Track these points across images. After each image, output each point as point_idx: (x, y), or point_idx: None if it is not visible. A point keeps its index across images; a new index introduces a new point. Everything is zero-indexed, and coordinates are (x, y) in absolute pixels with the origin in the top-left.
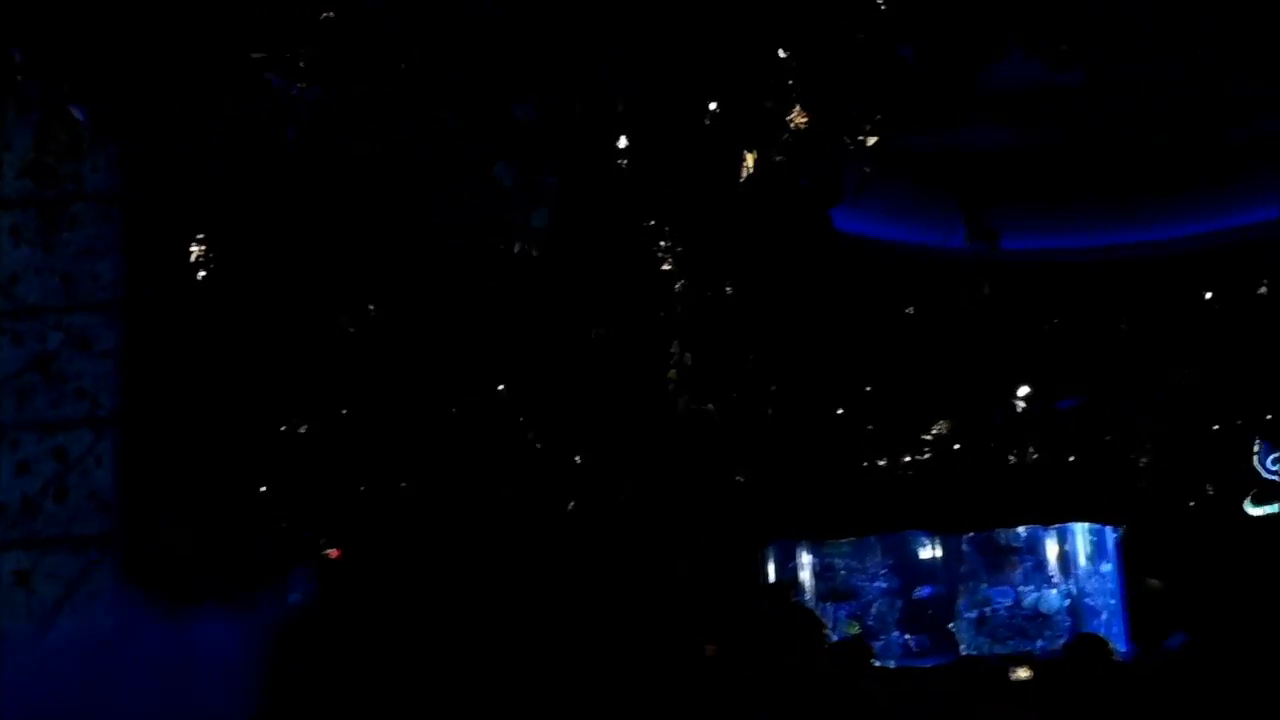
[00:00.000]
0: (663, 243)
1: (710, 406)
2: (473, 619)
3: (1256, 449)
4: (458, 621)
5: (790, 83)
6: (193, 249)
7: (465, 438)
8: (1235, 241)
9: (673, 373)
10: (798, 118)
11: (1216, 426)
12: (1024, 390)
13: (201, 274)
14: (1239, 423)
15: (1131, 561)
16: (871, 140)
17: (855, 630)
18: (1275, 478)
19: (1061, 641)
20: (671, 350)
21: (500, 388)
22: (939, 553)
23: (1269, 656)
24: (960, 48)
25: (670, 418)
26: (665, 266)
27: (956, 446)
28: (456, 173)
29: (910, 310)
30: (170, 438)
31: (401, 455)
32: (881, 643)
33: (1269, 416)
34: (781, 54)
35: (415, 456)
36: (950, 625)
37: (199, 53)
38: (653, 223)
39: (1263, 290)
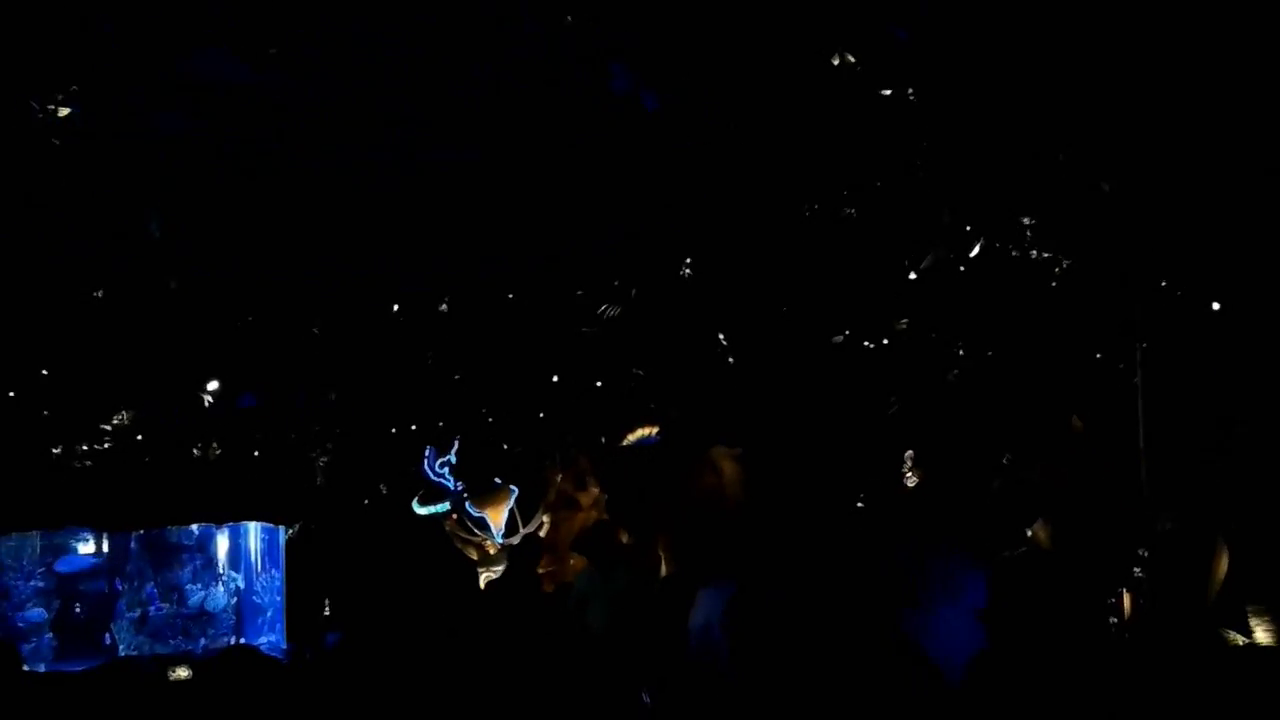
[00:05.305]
0: None
1: None
2: None
3: (426, 454)
4: None
5: None
6: None
7: None
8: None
9: None
10: None
11: (394, 430)
12: (213, 385)
13: None
14: (413, 428)
15: (296, 561)
16: (64, 111)
17: None
18: (442, 481)
19: (225, 640)
20: None
21: None
22: (104, 549)
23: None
24: (161, 30)
25: None
26: None
27: (139, 438)
28: None
29: (100, 294)
30: None
31: None
32: (32, 645)
33: (440, 424)
34: None
35: None
36: (110, 626)
37: None
38: None
39: (444, 308)
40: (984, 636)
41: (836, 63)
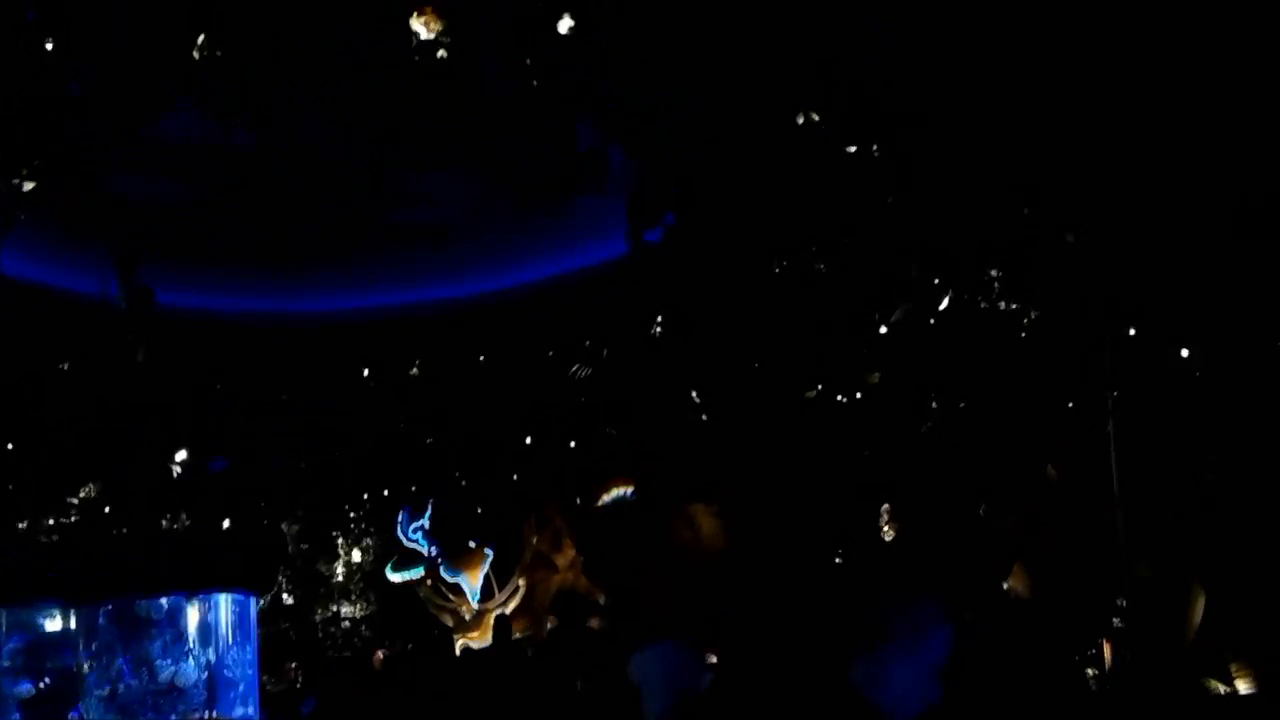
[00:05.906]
0: None
1: None
2: None
3: (399, 518)
4: None
5: None
6: None
7: None
8: (390, 317)
9: None
10: None
11: (366, 495)
12: (181, 455)
13: None
14: (385, 493)
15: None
16: (29, 185)
17: None
18: (416, 545)
19: (198, 715)
20: None
21: None
22: (72, 624)
23: None
24: (130, 92)
25: None
26: None
27: (107, 510)
28: None
29: (66, 365)
30: None
31: None
32: None
33: (413, 487)
34: None
35: None
36: (80, 702)
37: None
38: None
39: (414, 371)
40: (938, 690)
41: (801, 121)
